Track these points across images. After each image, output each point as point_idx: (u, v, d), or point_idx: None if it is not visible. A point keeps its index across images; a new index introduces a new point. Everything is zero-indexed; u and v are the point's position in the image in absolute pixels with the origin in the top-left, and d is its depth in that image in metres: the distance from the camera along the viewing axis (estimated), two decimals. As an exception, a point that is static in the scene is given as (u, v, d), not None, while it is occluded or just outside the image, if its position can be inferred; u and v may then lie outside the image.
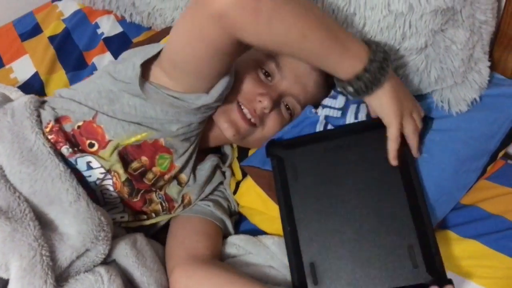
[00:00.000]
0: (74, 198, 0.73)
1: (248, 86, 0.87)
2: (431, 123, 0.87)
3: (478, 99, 0.88)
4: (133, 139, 0.81)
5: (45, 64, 1.27)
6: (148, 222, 0.89)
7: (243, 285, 0.74)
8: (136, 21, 1.31)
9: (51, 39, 1.35)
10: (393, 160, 0.75)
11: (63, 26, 1.37)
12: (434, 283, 0.72)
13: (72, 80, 1.25)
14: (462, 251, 0.85)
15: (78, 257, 0.71)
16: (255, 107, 0.87)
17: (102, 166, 0.80)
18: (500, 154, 0.90)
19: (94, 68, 1.27)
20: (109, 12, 1.36)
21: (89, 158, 0.79)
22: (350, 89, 0.68)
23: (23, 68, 1.29)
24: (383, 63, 0.67)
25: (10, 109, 0.81)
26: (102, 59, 1.28)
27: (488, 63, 0.89)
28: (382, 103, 0.72)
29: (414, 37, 0.81)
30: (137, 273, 0.75)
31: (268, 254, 0.85)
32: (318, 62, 0.71)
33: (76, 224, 0.71)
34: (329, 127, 0.86)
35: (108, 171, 0.80)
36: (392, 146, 0.74)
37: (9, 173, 0.74)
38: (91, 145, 0.80)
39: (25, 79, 1.26)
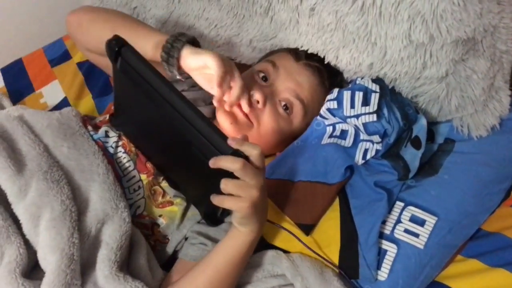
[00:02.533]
0: (103, 171, 0.83)
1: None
2: (452, 145, 0.87)
3: (498, 126, 0.88)
4: None
5: (73, 89, 1.32)
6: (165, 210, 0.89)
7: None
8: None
9: (80, 65, 1.39)
10: None
11: (91, 52, 1.42)
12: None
13: (98, 105, 1.29)
14: (491, 281, 0.84)
15: (103, 225, 0.79)
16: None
17: (115, 134, 0.93)
18: (525, 178, 0.90)
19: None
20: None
21: (106, 127, 0.94)
22: (163, 54, 0.82)
23: (52, 93, 1.33)
24: (178, 37, 0.83)
25: (57, 111, 0.94)
26: (128, 85, 1.32)
27: (509, 92, 0.89)
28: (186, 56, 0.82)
29: (435, 66, 0.82)
30: None
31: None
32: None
33: (100, 191, 0.80)
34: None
35: (119, 135, 0.92)
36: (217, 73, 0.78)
37: (52, 148, 0.84)
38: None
39: (54, 104, 1.29)
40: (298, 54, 0.95)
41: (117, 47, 0.75)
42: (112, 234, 0.79)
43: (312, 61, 0.94)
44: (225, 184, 0.69)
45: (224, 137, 0.68)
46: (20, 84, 1.38)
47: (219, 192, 0.71)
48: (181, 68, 0.84)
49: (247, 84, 0.89)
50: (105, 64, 1.04)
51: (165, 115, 0.72)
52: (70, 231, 0.74)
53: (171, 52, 0.81)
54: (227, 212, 0.79)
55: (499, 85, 0.87)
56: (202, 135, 0.69)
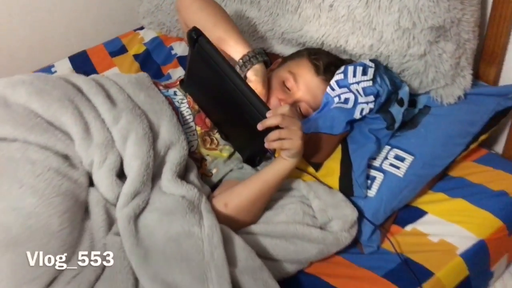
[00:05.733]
0: (169, 114, 1.10)
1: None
2: (428, 109, 1.19)
3: (462, 96, 1.21)
4: None
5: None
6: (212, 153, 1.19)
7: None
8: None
9: (135, 56, 1.69)
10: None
11: (144, 48, 1.73)
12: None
13: (151, 88, 1.58)
14: (452, 205, 1.15)
15: (169, 149, 1.06)
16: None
17: (182, 94, 1.22)
18: (482, 137, 1.22)
19: (169, 77, 1.60)
20: (181, 39, 1.73)
21: (175, 89, 1.23)
22: (240, 61, 1.12)
23: (114, 77, 1.62)
24: (256, 54, 1.13)
25: (133, 74, 1.21)
26: (175, 72, 1.62)
27: (471, 71, 1.22)
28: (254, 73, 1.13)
29: (416, 46, 1.15)
30: None
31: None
32: (222, 45, 1.14)
33: (167, 125, 1.08)
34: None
35: (185, 95, 1.21)
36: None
37: (133, 96, 1.11)
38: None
39: (114, 85, 1.58)
40: (317, 67, 1.20)
41: (196, 36, 1.03)
42: (174, 156, 1.06)
43: (328, 75, 1.20)
44: (280, 132, 0.97)
45: (268, 108, 0.98)
46: (85, 69, 1.64)
47: (261, 142, 0.99)
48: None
49: (275, 88, 1.20)
50: None
51: (227, 89, 1.01)
52: (148, 148, 1.01)
53: (246, 63, 1.12)
54: (263, 159, 1.12)
55: (464, 64, 1.19)
56: (252, 105, 0.99)
